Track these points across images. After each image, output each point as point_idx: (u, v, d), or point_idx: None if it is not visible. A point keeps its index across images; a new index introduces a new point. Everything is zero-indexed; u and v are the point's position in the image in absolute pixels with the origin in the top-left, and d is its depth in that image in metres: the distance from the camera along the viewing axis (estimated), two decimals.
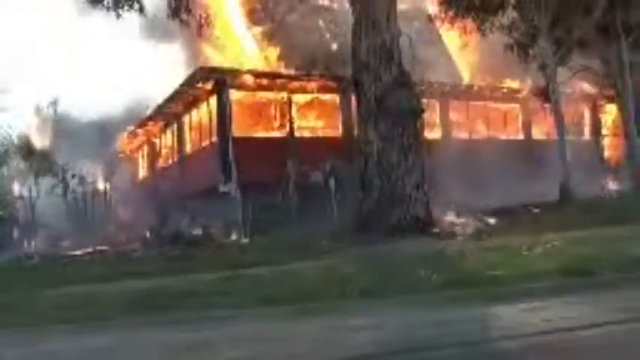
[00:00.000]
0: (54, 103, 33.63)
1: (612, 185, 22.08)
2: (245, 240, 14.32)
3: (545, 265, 6.99)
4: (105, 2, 11.47)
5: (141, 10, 11.64)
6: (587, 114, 28.02)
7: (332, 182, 17.24)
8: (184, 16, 11.98)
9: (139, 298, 6.84)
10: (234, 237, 14.41)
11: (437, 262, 7.62)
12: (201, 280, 7.93)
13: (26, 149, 30.57)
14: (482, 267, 7.14)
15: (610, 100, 23.99)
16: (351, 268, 7.83)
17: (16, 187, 33.17)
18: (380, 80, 10.55)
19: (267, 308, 6.27)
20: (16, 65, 29.53)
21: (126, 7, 11.56)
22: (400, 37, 11.02)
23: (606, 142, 27.91)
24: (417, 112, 11.01)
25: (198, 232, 15.11)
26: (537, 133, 25.98)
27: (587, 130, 28.01)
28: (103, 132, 28.59)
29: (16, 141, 29.80)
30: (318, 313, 6.01)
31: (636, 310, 5.19)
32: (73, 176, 29.34)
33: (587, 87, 26.05)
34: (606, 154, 27.43)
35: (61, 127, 31.44)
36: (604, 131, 28.03)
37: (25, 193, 32.39)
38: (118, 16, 11.67)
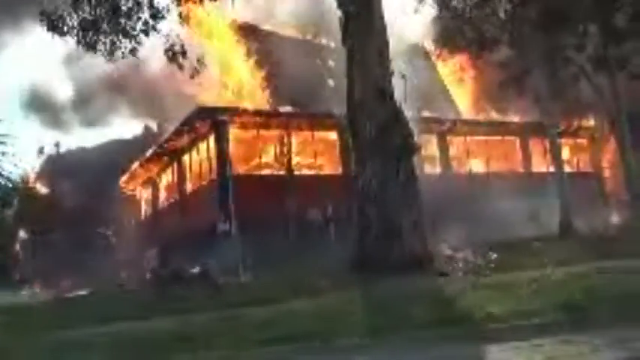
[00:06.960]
0: (57, 145, 34.05)
1: (614, 218, 21.97)
2: (243, 278, 14.26)
3: (543, 302, 6.89)
4: (101, 48, 11.81)
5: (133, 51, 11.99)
6: (585, 146, 28.14)
7: (330, 220, 17.25)
8: (180, 60, 12.30)
9: (131, 340, 6.77)
10: (232, 275, 14.34)
11: (433, 300, 7.55)
12: (197, 322, 7.85)
13: (29, 192, 30.78)
14: (479, 304, 7.06)
15: (608, 131, 24.11)
16: (348, 307, 7.75)
17: (19, 229, 33.22)
18: (374, 118, 10.66)
19: (263, 349, 6.20)
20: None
21: (122, 51, 11.89)
22: (393, 74, 11.17)
23: (606, 174, 27.91)
24: (413, 149, 11.08)
25: (196, 270, 15.04)
26: (537, 166, 26.04)
27: (586, 162, 28.07)
28: (105, 171, 28.82)
29: (19, 183, 30.04)
30: (317, 353, 5.95)
31: (636, 349, 5.09)
32: (75, 217, 29.44)
33: (584, 119, 26.23)
34: (607, 186, 27.41)
35: (63, 168, 31.70)
36: (604, 163, 28.07)
37: (27, 235, 32.40)
38: (114, 59, 12.02)
